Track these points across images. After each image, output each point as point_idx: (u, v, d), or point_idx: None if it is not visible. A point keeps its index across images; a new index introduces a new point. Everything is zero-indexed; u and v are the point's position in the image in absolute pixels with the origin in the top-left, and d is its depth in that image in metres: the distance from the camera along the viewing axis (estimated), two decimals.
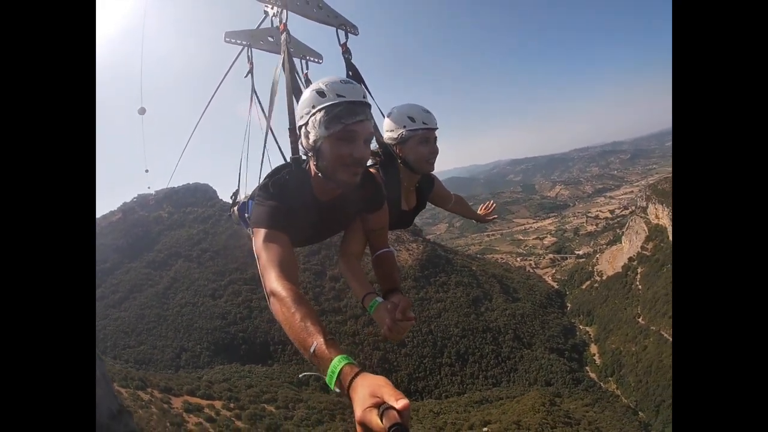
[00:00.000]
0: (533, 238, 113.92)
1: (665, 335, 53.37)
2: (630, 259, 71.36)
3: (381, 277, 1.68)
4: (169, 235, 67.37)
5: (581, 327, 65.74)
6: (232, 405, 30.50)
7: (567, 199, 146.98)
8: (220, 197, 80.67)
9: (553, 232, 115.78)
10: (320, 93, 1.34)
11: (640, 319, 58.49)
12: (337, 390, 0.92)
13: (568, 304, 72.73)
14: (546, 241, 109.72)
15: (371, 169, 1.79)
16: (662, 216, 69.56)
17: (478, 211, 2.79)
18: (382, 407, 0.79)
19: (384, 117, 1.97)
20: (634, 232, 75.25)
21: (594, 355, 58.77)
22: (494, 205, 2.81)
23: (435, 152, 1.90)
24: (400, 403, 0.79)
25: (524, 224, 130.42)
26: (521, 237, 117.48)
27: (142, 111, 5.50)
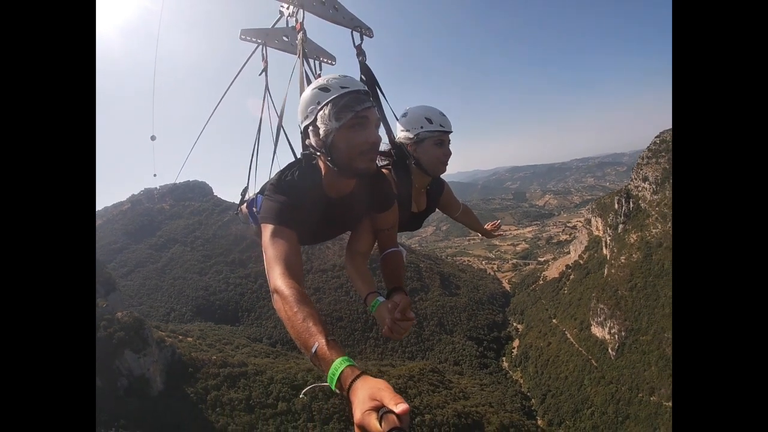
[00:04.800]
0: (508, 244, 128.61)
1: (567, 335, 68.18)
2: (567, 266, 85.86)
3: (386, 276, 1.76)
4: (169, 223, 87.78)
5: (514, 324, 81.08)
6: (199, 340, 49.40)
7: (554, 208, 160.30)
8: (215, 193, 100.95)
9: (528, 239, 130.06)
10: (324, 89, 1.43)
11: (554, 320, 73.48)
12: (337, 391, 0.98)
13: (511, 304, 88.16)
14: (519, 248, 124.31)
15: (383, 170, 1.87)
16: (600, 228, 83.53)
17: (485, 226, 2.97)
18: (381, 411, 0.84)
19: (396, 119, 2.07)
20: (579, 242, 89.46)
21: (514, 348, 74.21)
22: (500, 223, 3.09)
23: (448, 155, 2.02)
24: (399, 407, 0.83)
25: (506, 231, 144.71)
26: (497, 243, 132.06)
27: (154, 138, 6.27)
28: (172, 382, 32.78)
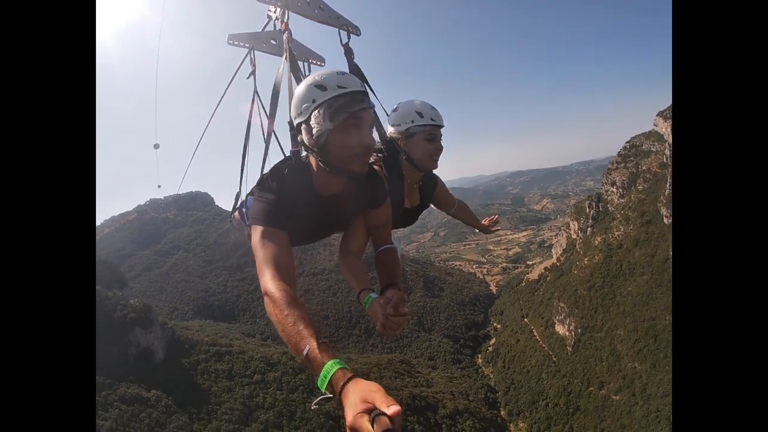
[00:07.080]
0: (501, 249, 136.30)
1: (534, 332, 75.47)
2: (546, 268, 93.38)
3: (381, 273, 1.77)
4: (173, 232, 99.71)
5: (494, 324, 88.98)
6: (198, 333, 60.12)
7: (551, 212, 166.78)
8: (217, 204, 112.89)
9: (522, 243, 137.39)
10: (320, 87, 1.43)
11: (525, 319, 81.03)
12: (329, 394, 1.01)
13: (494, 305, 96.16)
14: (511, 252, 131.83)
15: (374, 165, 1.91)
16: (575, 231, 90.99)
17: (483, 222, 3.08)
18: (373, 413, 0.87)
19: (387, 115, 2.13)
20: (560, 245, 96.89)
21: (490, 346, 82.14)
22: (498, 218, 3.18)
23: (440, 150, 2.08)
24: (391, 409, 0.85)
25: (503, 235, 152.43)
26: (492, 247, 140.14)
27: (157, 146, 6.51)
28: (171, 354, 43.75)
